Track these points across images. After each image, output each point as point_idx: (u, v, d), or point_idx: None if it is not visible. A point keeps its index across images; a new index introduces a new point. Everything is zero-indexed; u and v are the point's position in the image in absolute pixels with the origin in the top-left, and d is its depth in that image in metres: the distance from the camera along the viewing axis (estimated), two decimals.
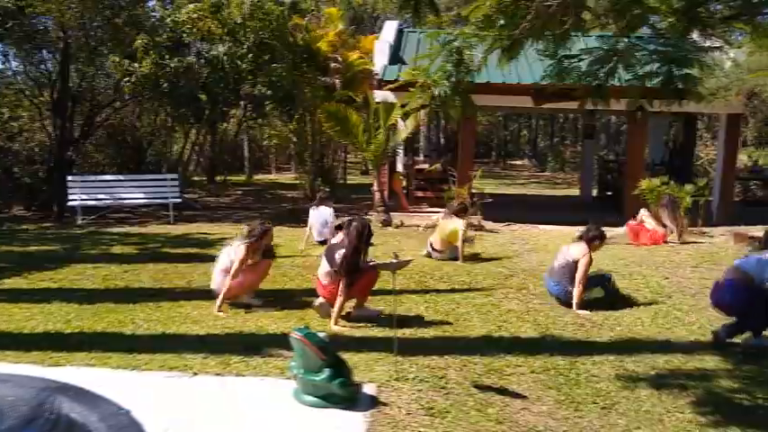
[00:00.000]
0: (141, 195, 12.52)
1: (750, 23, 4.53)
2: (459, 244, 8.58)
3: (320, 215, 9.73)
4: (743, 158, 17.72)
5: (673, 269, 8.30)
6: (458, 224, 8.70)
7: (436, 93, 4.03)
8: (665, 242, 10.27)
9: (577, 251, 6.42)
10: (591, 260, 6.36)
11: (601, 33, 4.92)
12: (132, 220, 12.42)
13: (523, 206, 15.01)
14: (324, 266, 5.74)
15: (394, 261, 4.34)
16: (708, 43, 5.49)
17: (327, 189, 11.20)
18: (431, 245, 8.83)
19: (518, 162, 39.65)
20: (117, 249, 9.27)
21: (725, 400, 4.18)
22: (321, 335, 3.67)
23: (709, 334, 5.57)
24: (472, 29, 4.20)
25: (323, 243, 9.17)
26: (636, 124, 13.44)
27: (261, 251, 6.27)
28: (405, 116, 11.94)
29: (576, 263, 6.31)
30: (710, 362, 4.87)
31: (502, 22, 4.26)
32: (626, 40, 4.61)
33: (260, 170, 25.72)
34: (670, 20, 4.67)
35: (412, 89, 4.28)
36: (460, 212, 9.00)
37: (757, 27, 4.46)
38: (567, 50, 4.69)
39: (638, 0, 4.40)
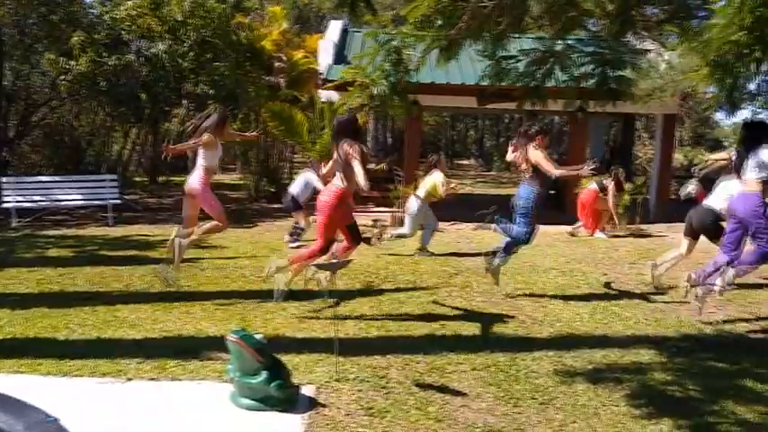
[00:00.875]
0: (79, 197, 12.16)
1: (680, 27, 4.66)
2: (441, 193, 9.03)
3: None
4: (679, 158, 18.28)
5: (611, 265, 8.52)
6: (436, 177, 9.09)
7: (375, 92, 4.02)
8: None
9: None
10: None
11: (539, 35, 4.99)
12: (69, 223, 12.05)
13: (470, 205, 15.15)
14: None
15: (334, 261, 4.31)
16: (642, 46, 5.65)
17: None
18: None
19: (465, 161, 40.07)
20: (53, 252, 8.99)
21: (658, 392, 4.28)
22: (258, 336, 3.62)
23: (644, 328, 5.74)
24: (410, 29, 4.21)
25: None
26: (577, 124, 13.78)
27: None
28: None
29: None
30: (646, 355, 4.99)
31: (440, 22, 4.29)
32: (562, 42, 4.70)
33: None
34: (604, 22, 4.79)
35: (351, 88, 4.27)
36: (436, 166, 9.35)
37: (687, 30, 4.59)
38: (506, 51, 4.76)
39: (573, 3, 4.50)
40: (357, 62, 4.54)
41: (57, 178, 12.78)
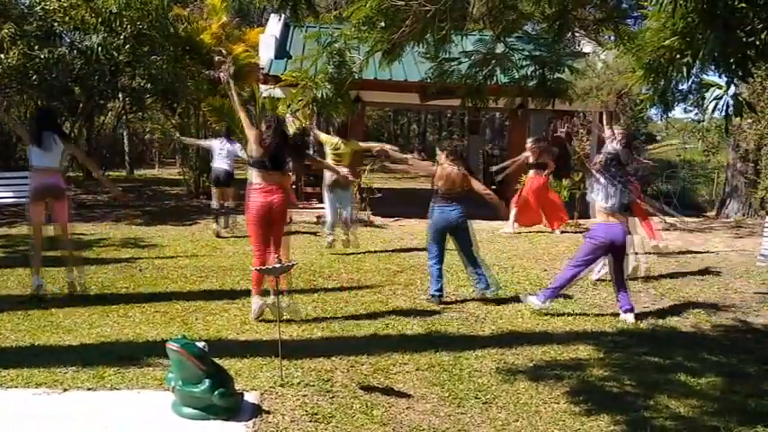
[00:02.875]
0: (9, 194, 11.69)
1: (616, 29, 4.78)
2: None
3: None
4: None
5: (551, 261, 8.69)
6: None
7: (319, 95, 3.99)
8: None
9: None
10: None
11: (480, 37, 5.04)
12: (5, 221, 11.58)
13: (413, 201, 15.23)
14: None
15: (277, 266, 4.26)
16: (581, 46, 5.77)
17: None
18: None
19: (408, 155, 40.20)
20: None
21: (596, 388, 4.40)
22: (200, 344, 3.54)
23: (582, 324, 5.89)
24: (353, 31, 4.19)
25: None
26: (517, 120, 14.01)
27: None
28: (294, 111, 11.80)
29: None
30: (584, 352, 5.12)
31: (383, 24, 4.28)
32: (503, 44, 4.76)
33: (142, 165, 24.64)
34: (543, 25, 4.88)
35: (293, 90, 4.22)
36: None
37: (623, 33, 4.71)
38: (448, 53, 4.78)
39: (513, 6, 4.56)
40: (299, 64, 4.48)
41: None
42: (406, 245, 9.86)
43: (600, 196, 6.04)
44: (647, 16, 4.32)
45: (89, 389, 3.93)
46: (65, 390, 3.90)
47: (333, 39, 4.15)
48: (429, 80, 4.81)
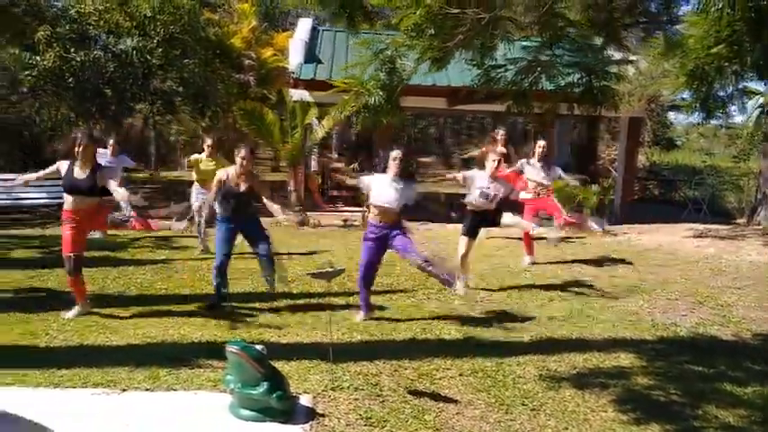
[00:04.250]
0: (42, 195, 11.84)
1: (663, 37, 4.78)
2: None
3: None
4: (641, 158, 18.68)
5: (582, 267, 8.66)
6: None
7: (371, 101, 4.02)
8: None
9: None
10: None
11: (525, 44, 5.06)
12: (32, 222, 11.73)
13: (437, 205, 15.24)
14: None
15: (330, 270, 4.31)
16: (620, 55, 5.78)
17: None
18: None
19: (426, 159, 40.21)
20: (18, 254, 8.76)
21: (643, 396, 4.40)
22: (258, 347, 3.60)
23: (621, 331, 5.87)
24: (404, 38, 4.23)
25: None
26: (544, 125, 13.98)
27: None
28: (320, 116, 11.91)
29: None
30: (626, 359, 5.12)
31: (432, 31, 4.32)
32: (549, 51, 4.78)
33: (168, 166, 24.82)
34: (589, 33, 4.90)
35: (345, 96, 4.26)
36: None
37: (667, 39, 4.71)
38: (494, 60, 4.81)
39: (561, 14, 4.58)
40: (348, 70, 4.53)
41: (15, 176, 12.39)
42: (434, 250, 9.83)
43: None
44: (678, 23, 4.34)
45: (146, 389, 4.00)
46: (123, 390, 3.97)
47: (384, 46, 4.18)
48: (475, 86, 4.83)
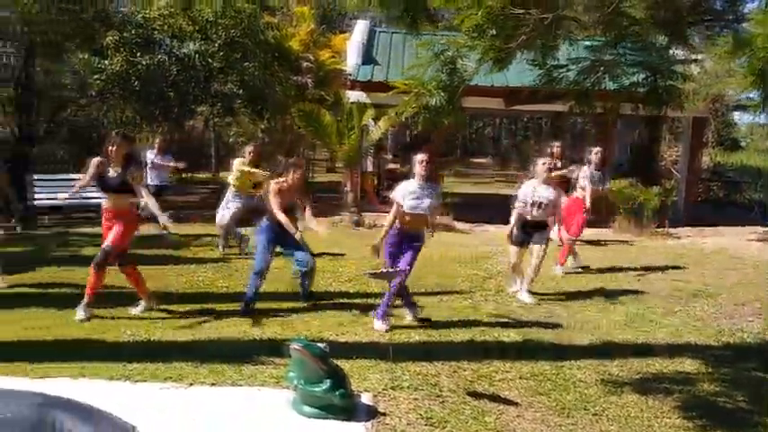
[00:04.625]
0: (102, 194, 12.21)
1: (732, 36, 4.66)
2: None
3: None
4: (704, 159, 18.16)
5: (644, 271, 8.48)
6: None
7: (432, 102, 4.04)
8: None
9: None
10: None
11: (588, 43, 5.00)
12: (99, 220, 12.13)
13: (492, 206, 15.12)
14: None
15: (388, 270, 4.34)
16: (685, 54, 5.64)
17: None
18: None
19: (481, 160, 39.96)
20: (88, 251, 9.04)
21: (708, 403, 4.29)
22: (321, 345, 3.66)
23: (685, 336, 5.73)
24: (465, 39, 4.23)
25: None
26: (603, 125, 13.71)
27: None
28: (376, 117, 11.98)
29: None
30: (690, 365, 5.00)
31: (493, 32, 4.31)
32: (612, 51, 4.70)
33: (226, 168, 25.32)
34: (654, 32, 4.80)
35: (406, 97, 4.29)
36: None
37: (735, 37, 4.59)
38: (556, 60, 4.77)
39: (625, 13, 4.50)
40: (409, 71, 4.55)
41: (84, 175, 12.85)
42: (491, 251, 9.80)
43: None
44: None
45: (212, 384, 4.11)
46: (190, 384, 4.09)
47: (446, 47, 4.19)
48: (536, 86, 4.79)
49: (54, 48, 12.92)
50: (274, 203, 6.08)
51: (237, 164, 8.87)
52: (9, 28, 13.15)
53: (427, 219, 5.81)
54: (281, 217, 6.01)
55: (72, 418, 3.00)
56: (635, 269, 8.57)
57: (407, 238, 5.69)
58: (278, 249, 6.43)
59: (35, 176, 11.93)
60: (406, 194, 5.66)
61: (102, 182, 5.78)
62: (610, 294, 7.14)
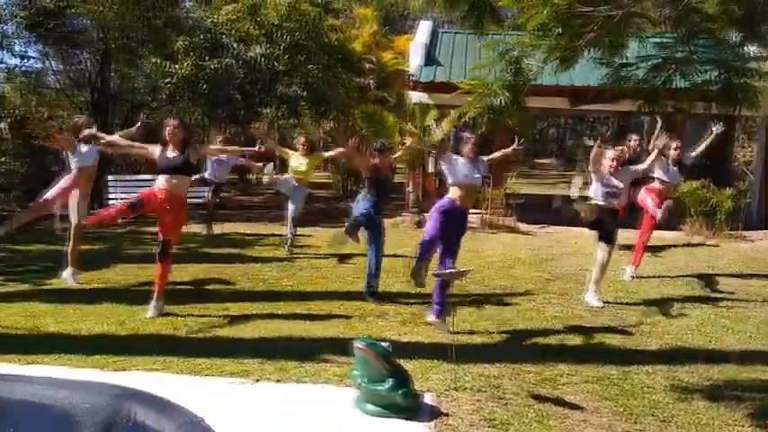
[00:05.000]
0: None
1: None
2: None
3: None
4: None
5: (715, 274, 8.20)
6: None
7: (495, 103, 4.01)
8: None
9: None
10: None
11: (658, 40, 4.87)
12: None
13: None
14: None
15: (454, 270, 4.34)
16: (760, 51, 5.44)
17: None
18: None
19: (545, 161, 39.37)
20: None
21: None
22: (384, 344, 3.70)
23: (758, 343, 5.52)
24: (530, 38, 4.19)
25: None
26: (674, 125, 13.30)
27: None
28: (439, 118, 11.97)
29: None
30: (763, 372, 4.81)
31: (559, 30, 4.25)
32: (684, 48, 4.58)
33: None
34: (728, 28, 4.64)
35: (469, 98, 4.28)
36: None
37: None
38: (623, 58, 4.67)
39: (697, 9, 4.37)
40: (473, 72, 4.54)
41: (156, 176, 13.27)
42: (554, 253, 9.67)
43: None
44: None
45: (277, 380, 4.20)
46: (256, 380, 4.19)
47: (510, 47, 4.16)
48: (605, 85, 4.70)
49: (128, 53, 13.44)
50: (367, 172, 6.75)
51: (296, 156, 9.16)
52: (87, 35, 13.75)
53: (476, 193, 5.88)
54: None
55: (144, 408, 3.15)
56: (706, 273, 8.29)
57: (457, 216, 5.65)
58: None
59: (109, 177, 12.41)
60: (456, 165, 5.68)
61: (164, 162, 5.89)
62: (679, 298, 6.94)
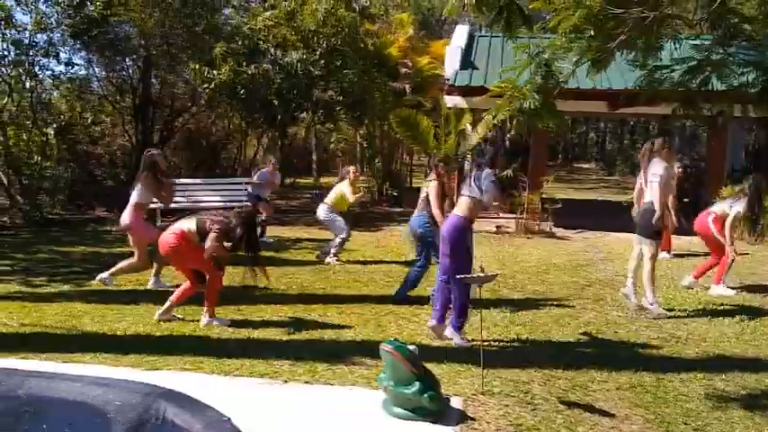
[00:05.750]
0: (217, 198, 12.79)
1: None
2: (350, 201, 9.03)
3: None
4: None
5: (756, 282, 8.00)
6: (343, 188, 8.96)
7: (525, 105, 4.00)
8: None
9: (431, 185, 6.72)
10: (440, 187, 6.64)
11: (694, 41, 4.79)
12: None
13: (594, 212, 14.70)
14: None
15: (480, 275, 4.32)
16: None
17: None
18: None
19: (585, 165, 38.89)
20: None
21: None
22: (411, 347, 3.70)
23: None
24: (561, 40, 4.16)
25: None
26: (716, 128, 13.02)
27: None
28: (474, 122, 11.93)
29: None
30: None
31: (591, 32, 4.21)
32: (720, 50, 4.49)
33: (327, 173, 25.97)
34: (766, 30, 4.54)
35: (499, 101, 4.27)
36: (344, 178, 9.17)
37: None
38: (657, 60, 4.60)
39: (734, 10, 4.29)
40: (503, 75, 4.52)
41: (197, 180, 13.53)
42: (591, 258, 9.54)
43: None
44: None
45: (306, 382, 4.24)
46: (285, 381, 4.24)
47: (540, 49, 4.13)
48: (638, 88, 4.64)
49: (169, 59, 13.72)
50: (435, 204, 6.52)
51: (344, 186, 9.01)
52: (129, 42, 14.07)
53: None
54: (438, 215, 6.41)
55: (173, 407, 3.22)
56: (748, 281, 8.09)
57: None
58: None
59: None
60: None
61: None
62: (719, 305, 6.79)
